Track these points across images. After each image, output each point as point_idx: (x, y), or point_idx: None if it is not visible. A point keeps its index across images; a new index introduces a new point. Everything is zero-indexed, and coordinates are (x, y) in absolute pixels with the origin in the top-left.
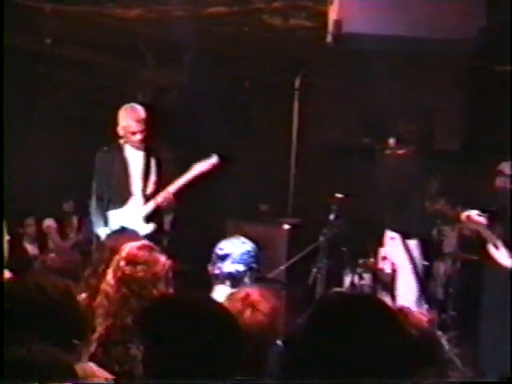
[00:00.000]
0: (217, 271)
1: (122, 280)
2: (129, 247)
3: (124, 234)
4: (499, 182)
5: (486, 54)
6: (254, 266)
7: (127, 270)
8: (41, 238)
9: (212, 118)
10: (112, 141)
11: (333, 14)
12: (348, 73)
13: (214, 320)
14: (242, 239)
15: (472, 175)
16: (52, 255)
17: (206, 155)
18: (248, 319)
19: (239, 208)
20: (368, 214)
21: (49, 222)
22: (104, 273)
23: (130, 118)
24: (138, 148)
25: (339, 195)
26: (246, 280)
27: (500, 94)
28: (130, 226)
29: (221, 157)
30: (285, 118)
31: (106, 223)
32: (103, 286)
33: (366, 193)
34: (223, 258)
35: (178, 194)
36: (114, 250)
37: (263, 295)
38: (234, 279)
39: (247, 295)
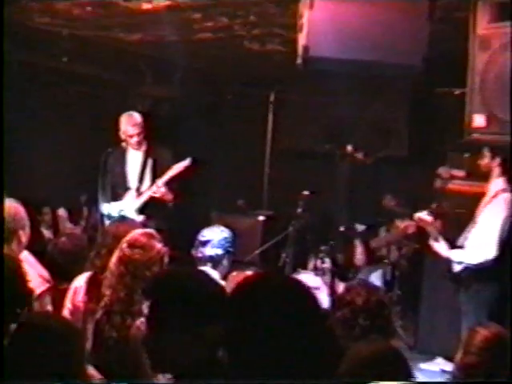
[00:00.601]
0: (199, 255)
1: (122, 259)
2: (133, 233)
3: (124, 222)
4: (438, 183)
5: (429, 78)
6: (230, 250)
7: (127, 251)
8: (55, 225)
9: (199, 127)
10: (116, 143)
11: (302, 41)
12: (314, 90)
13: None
14: (221, 228)
15: (417, 178)
16: (63, 239)
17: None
18: None
19: (222, 202)
20: (329, 209)
21: (60, 212)
22: (106, 255)
23: (127, 124)
24: (136, 149)
25: (305, 192)
26: (225, 262)
27: (439, 111)
28: (127, 215)
29: (194, 159)
30: (261, 127)
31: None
32: (110, 263)
33: (328, 190)
34: (204, 243)
35: (171, 188)
36: (115, 236)
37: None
38: (214, 261)
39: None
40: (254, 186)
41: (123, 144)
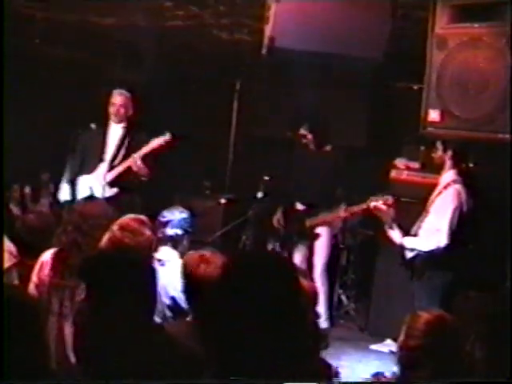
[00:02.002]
0: (160, 235)
1: (111, 241)
2: (125, 216)
3: (91, 200)
4: (394, 174)
5: (388, 72)
6: (189, 230)
7: (117, 234)
8: (23, 202)
9: (167, 111)
10: (98, 120)
11: (268, 32)
12: (279, 79)
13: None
14: (180, 209)
15: (374, 168)
16: (31, 216)
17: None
18: (203, 270)
19: (185, 184)
20: (288, 193)
21: (27, 189)
22: (72, 232)
23: (114, 95)
24: (117, 123)
25: (266, 177)
26: (184, 242)
27: (398, 104)
28: (96, 188)
29: (173, 135)
30: (226, 113)
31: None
32: (100, 243)
33: (287, 176)
34: (165, 224)
35: (147, 163)
36: (82, 214)
37: (214, 254)
38: (175, 241)
39: (202, 254)
40: (218, 169)
41: (110, 120)
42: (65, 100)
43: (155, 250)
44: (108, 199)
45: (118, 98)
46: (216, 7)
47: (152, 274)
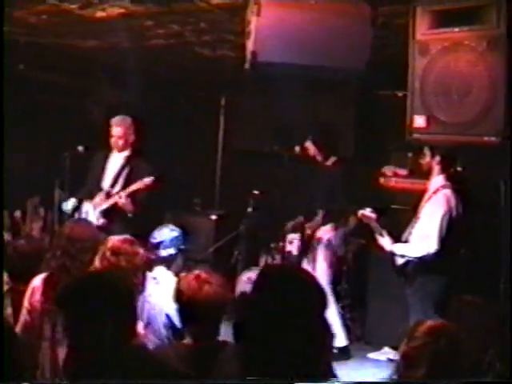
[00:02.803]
0: (153, 256)
1: (106, 266)
2: (113, 240)
3: (78, 223)
4: (383, 181)
5: (372, 81)
6: (182, 247)
7: (112, 259)
8: (14, 227)
9: (153, 130)
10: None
11: (250, 46)
12: (263, 93)
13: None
14: (170, 226)
15: (363, 176)
16: (22, 241)
17: (148, 159)
18: (208, 292)
19: (175, 202)
20: (277, 207)
21: (16, 214)
22: (61, 256)
23: (114, 123)
24: (118, 151)
25: (255, 192)
26: (178, 260)
27: (383, 112)
28: (91, 216)
29: (156, 178)
30: (213, 129)
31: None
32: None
33: (277, 190)
34: (157, 245)
35: (133, 200)
36: (69, 237)
37: (209, 272)
38: (168, 261)
39: (198, 276)
40: (207, 186)
41: (111, 148)
42: (51, 123)
43: (149, 267)
44: (100, 227)
45: (116, 129)
46: (197, 24)
47: (131, 297)
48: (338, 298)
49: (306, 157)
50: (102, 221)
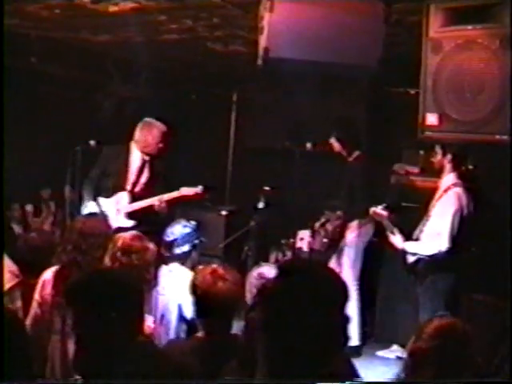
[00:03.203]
0: (168, 254)
1: (118, 265)
2: (122, 238)
3: (91, 218)
4: (393, 179)
5: (385, 79)
6: (196, 242)
7: (124, 259)
8: (24, 220)
9: (165, 125)
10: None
11: (262, 42)
12: (275, 90)
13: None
14: (183, 223)
15: (374, 174)
16: (33, 234)
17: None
18: (221, 288)
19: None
20: (289, 204)
21: (28, 207)
22: (72, 251)
23: (146, 133)
24: (142, 153)
25: (267, 188)
26: (193, 255)
27: (395, 110)
28: (111, 215)
29: (205, 187)
30: (224, 125)
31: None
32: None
33: (288, 186)
34: (171, 243)
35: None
36: (81, 232)
37: (225, 268)
38: (183, 258)
39: (214, 270)
40: (218, 181)
41: (132, 143)
42: (63, 117)
43: (162, 262)
44: (122, 228)
45: (150, 133)
46: (209, 19)
47: (139, 294)
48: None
49: (331, 153)
50: (129, 222)
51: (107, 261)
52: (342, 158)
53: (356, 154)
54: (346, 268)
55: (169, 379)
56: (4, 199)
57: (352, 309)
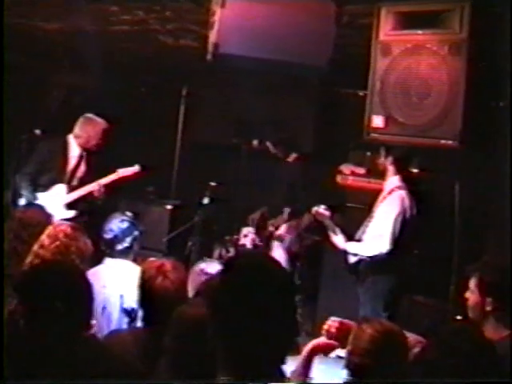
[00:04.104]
0: (108, 250)
1: (59, 249)
2: (59, 228)
3: (31, 208)
4: (340, 179)
5: (334, 79)
6: (136, 234)
7: (59, 250)
8: None
9: (113, 116)
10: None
11: (213, 38)
12: (224, 85)
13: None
14: (119, 217)
15: (321, 173)
16: None
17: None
18: (159, 285)
19: (131, 190)
20: (234, 200)
21: None
22: (12, 240)
23: (89, 129)
24: (80, 148)
25: (212, 183)
26: (135, 247)
27: (343, 111)
28: (52, 208)
29: (143, 166)
30: (172, 119)
31: (32, 198)
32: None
33: (234, 183)
34: (111, 240)
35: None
36: (21, 221)
37: (175, 266)
38: (125, 253)
39: (162, 264)
40: (164, 175)
41: (69, 136)
42: (9, 105)
43: (100, 256)
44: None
45: (87, 128)
46: (162, 12)
47: (87, 288)
48: None
49: (268, 153)
50: (70, 213)
51: (42, 251)
52: (279, 160)
53: (293, 155)
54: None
55: (110, 373)
56: None
57: None
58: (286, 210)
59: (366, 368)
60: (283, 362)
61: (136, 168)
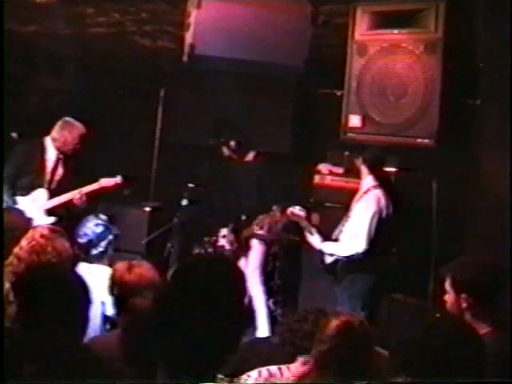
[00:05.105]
0: (83, 255)
1: (34, 248)
2: (37, 232)
3: (10, 212)
4: (317, 179)
5: (310, 79)
6: (111, 238)
7: (41, 241)
8: None
9: (90, 119)
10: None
11: (189, 39)
12: (201, 87)
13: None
14: (94, 221)
15: (298, 173)
16: None
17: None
18: (132, 280)
19: (109, 192)
20: (212, 201)
21: None
22: None
23: (65, 133)
24: (58, 151)
25: (191, 185)
26: (109, 251)
27: (321, 110)
28: (32, 213)
29: (125, 178)
30: (150, 121)
31: (12, 202)
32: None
33: (211, 184)
34: (86, 245)
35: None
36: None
37: (142, 263)
38: (100, 257)
39: (131, 265)
40: (142, 177)
41: (46, 138)
42: None
43: (77, 260)
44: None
45: (66, 133)
46: (138, 14)
47: (85, 298)
48: (270, 294)
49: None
50: (50, 219)
51: (22, 255)
52: (234, 160)
53: (252, 154)
54: (252, 266)
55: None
56: None
57: (259, 301)
58: (275, 208)
59: (331, 355)
60: (221, 364)
61: (118, 179)
